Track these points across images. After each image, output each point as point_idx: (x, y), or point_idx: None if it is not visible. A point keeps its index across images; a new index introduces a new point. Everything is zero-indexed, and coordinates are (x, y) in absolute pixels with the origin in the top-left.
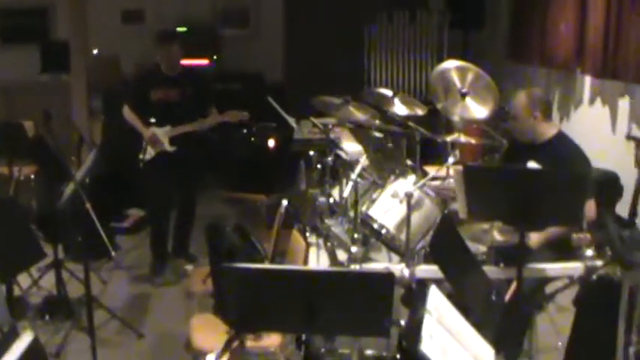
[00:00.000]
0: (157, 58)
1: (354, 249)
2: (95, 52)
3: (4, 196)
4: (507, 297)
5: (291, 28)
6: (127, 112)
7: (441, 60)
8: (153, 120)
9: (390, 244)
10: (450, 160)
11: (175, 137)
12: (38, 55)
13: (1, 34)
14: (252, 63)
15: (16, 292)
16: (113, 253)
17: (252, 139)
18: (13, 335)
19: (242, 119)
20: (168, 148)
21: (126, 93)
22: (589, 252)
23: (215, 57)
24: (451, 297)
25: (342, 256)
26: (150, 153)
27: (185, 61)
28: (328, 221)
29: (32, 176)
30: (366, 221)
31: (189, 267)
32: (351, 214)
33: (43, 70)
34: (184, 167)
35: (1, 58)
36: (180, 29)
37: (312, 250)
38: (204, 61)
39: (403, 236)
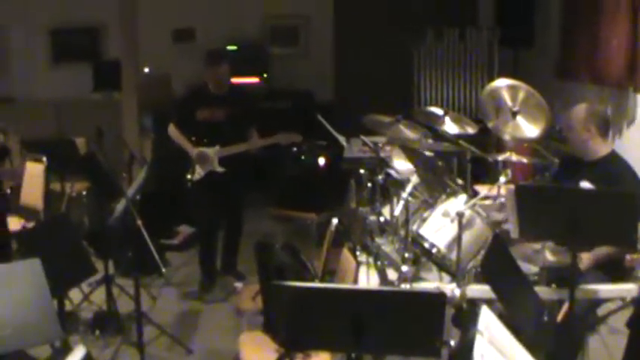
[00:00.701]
0: (205, 77)
1: (404, 268)
2: (146, 70)
3: (57, 212)
4: (559, 318)
5: (340, 46)
6: (173, 131)
7: (491, 78)
8: (201, 140)
9: (440, 263)
10: (502, 179)
11: (224, 157)
12: (90, 74)
13: (54, 53)
14: (302, 81)
15: (68, 307)
16: (163, 270)
17: (303, 157)
18: (65, 350)
19: (294, 141)
20: (218, 168)
21: (174, 112)
22: None
23: (265, 75)
24: (502, 317)
25: (392, 275)
26: (199, 173)
27: (235, 80)
28: (378, 240)
29: (84, 193)
30: (417, 240)
31: (238, 284)
32: (402, 232)
33: (95, 88)
34: (232, 187)
35: (54, 77)
36: (230, 47)
37: (362, 269)
38: (254, 80)
39: (454, 256)
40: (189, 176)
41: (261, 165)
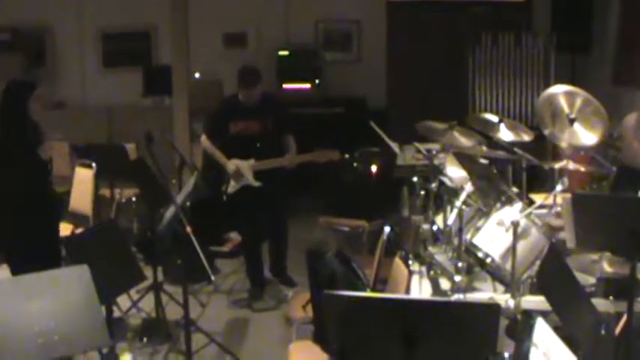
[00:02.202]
0: (238, 90)
1: (457, 278)
2: (197, 75)
3: (106, 218)
4: (617, 332)
5: (393, 51)
6: (206, 142)
7: (547, 84)
8: (234, 153)
9: (495, 273)
10: (558, 187)
11: (259, 171)
12: (141, 79)
13: (105, 58)
14: (355, 87)
15: (116, 313)
16: (212, 277)
17: (355, 164)
18: (112, 357)
19: (331, 159)
20: (254, 183)
21: (206, 122)
22: None
23: (317, 81)
24: (558, 330)
25: (445, 285)
26: (233, 186)
27: (286, 85)
28: (431, 249)
29: (133, 199)
30: (471, 250)
31: (289, 292)
32: (455, 242)
33: (145, 93)
34: (272, 198)
35: (104, 82)
36: (281, 53)
37: (415, 279)
38: (306, 86)
39: (509, 266)
40: (223, 189)
41: (311, 172)
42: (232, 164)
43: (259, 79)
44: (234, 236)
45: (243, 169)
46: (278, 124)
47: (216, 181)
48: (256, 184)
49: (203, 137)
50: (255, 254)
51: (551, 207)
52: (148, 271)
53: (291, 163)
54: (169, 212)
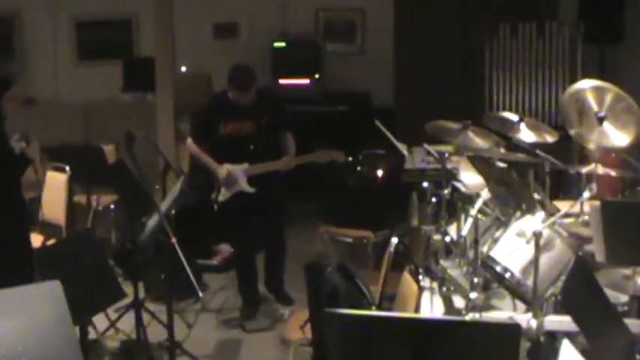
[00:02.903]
0: (228, 89)
1: (473, 295)
2: (183, 69)
3: (81, 228)
4: None
5: (401, 42)
6: (192, 146)
7: (574, 79)
8: (225, 157)
9: (515, 290)
10: (586, 194)
11: (253, 176)
12: (120, 73)
13: (80, 50)
14: (359, 82)
15: (92, 335)
16: (200, 294)
17: (359, 168)
18: None
19: (335, 160)
20: (248, 189)
21: (192, 124)
22: None
23: (317, 75)
24: (586, 353)
25: (459, 302)
26: (224, 194)
27: (283, 81)
28: (444, 262)
29: (112, 206)
30: (488, 263)
31: (285, 311)
32: (471, 254)
33: (125, 88)
34: (268, 206)
35: (79, 76)
36: (277, 45)
37: (425, 295)
38: (305, 81)
39: (530, 281)
40: (213, 196)
41: (311, 176)
42: (223, 170)
43: (254, 80)
44: (225, 248)
45: (235, 175)
46: (274, 123)
47: (204, 187)
48: (250, 190)
49: (189, 141)
50: (248, 267)
51: (577, 216)
52: (127, 288)
53: (288, 167)
54: (152, 221)
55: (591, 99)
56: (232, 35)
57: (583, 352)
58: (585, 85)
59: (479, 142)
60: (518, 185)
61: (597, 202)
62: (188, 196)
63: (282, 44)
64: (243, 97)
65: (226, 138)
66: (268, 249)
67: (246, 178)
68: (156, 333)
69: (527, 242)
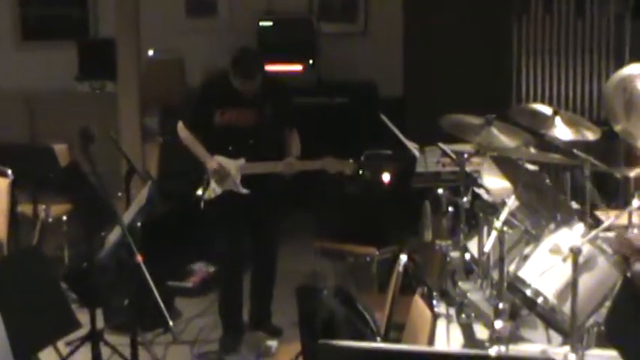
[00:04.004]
0: (230, 74)
1: (498, 324)
2: (151, 53)
3: (27, 243)
4: None
5: (412, 21)
6: (183, 132)
7: (620, 64)
8: (220, 149)
9: (548, 318)
10: (635, 202)
11: (248, 175)
12: (74, 57)
13: (25, 29)
14: (361, 69)
15: None
16: (171, 323)
17: (360, 172)
18: None
19: (342, 171)
20: (240, 189)
21: (185, 107)
22: None
23: (311, 62)
24: None
25: (481, 333)
26: (214, 190)
27: (270, 67)
28: (463, 285)
29: (64, 218)
30: (516, 286)
31: (271, 343)
32: (495, 275)
33: (80, 76)
34: (262, 212)
35: (23, 61)
36: (263, 24)
37: (441, 324)
38: (296, 67)
39: (567, 308)
40: (199, 192)
41: (304, 182)
42: (214, 162)
43: (261, 67)
44: (201, 268)
45: (229, 169)
46: (279, 115)
47: (176, 194)
48: (244, 191)
49: (180, 125)
50: (234, 288)
51: (625, 228)
52: (83, 316)
53: (290, 171)
54: (113, 236)
55: None
56: (209, 13)
57: None
58: (634, 70)
59: (505, 139)
60: (552, 192)
61: None
62: (157, 205)
63: (269, 24)
64: (247, 86)
65: (222, 129)
66: (255, 269)
67: (240, 176)
68: None
69: (564, 260)
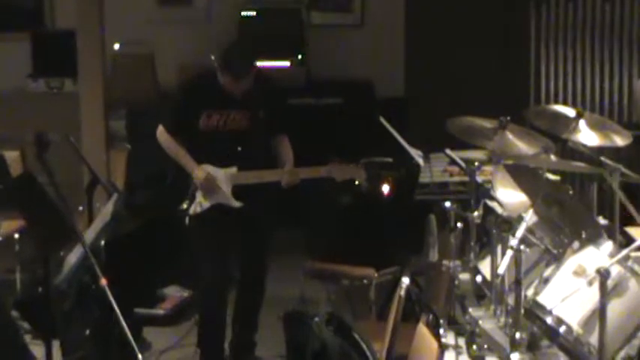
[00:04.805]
0: (218, 72)
1: (515, 357)
2: (116, 47)
3: None
4: None
5: (415, 11)
6: (164, 137)
7: None
8: (206, 157)
9: (572, 350)
10: None
11: (240, 186)
12: (28, 52)
13: None
14: (357, 66)
15: None
16: (139, 356)
17: (357, 182)
18: None
19: (353, 178)
20: (232, 202)
21: (163, 109)
22: None
23: (300, 57)
24: None
25: None
26: (200, 204)
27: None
28: (474, 311)
29: (16, 235)
30: (535, 313)
31: None
32: (511, 300)
33: (35, 73)
34: (253, 227)
35: None
36: (245, 14)
37: (449, 356)
38: (284, 63)
39: (595, 338)
40: (184, 206)
41: (290, 193)
42: (202, 171)
43: (253, 65)
44: (174, 292)
45: (218, 180)
46: (271, 117)
47: (146, 207)
48: (236, 204)
49: (160, 130)
50: (217, 315)
51: None
52: (37, 348)
53: (292, 180)
54: (73, 256)
55: None
56: (184, 1)
57: None
58: None
59: (521, 146)
60: (575, 205)
61: None
62: (123, 221)
63: (253, 13)
64: (238, 86)
65: (207, 133)
66: (241, 293)
67: (231, 187)
68: None
69: (590, 284)
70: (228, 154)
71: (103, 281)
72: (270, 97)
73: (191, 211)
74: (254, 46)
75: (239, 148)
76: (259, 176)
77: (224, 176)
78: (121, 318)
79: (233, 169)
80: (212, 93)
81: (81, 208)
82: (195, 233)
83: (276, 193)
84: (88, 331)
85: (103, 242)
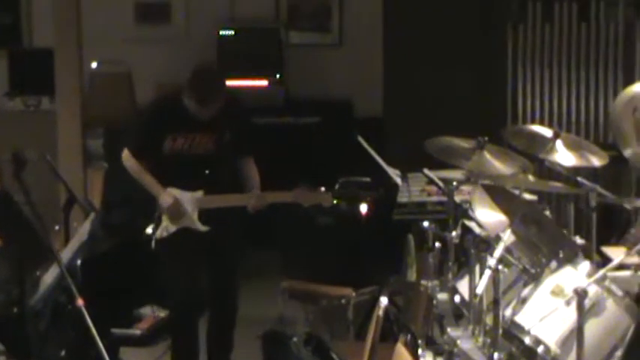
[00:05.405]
0: (184, 96)
1: None
2: (94, 65)
3: None
4: None
5: (393, 31)
6: (129, 161)
7: (630, 79)
8: (172, 181)
9: None
10: None
11: (207, 212)
12: (5, 69)
13: None
14: (335, 85)
15: None
16: None
17: (335, 202)
18: None
19: (319, 204)
20: (199, 226)
21: (130, 131)
22: None
23: (278, 76)
24: None
25: None
26: (167, 229)
27: (232, 82)
28: (452, 331)
29: None
30: (513, 332)
31: None
32: (489, 320)
33: (12, 91)
34: (222, 249)
35: None
36: (224, 33)
37: None
38: (262, 82)
39: (572, 358)
40: (149, 230)
41: (267, 214)
42: (168, 195)
43: (222, 91)
44: (151, 312)
45: (184, 204)
46: (237, 140)
47: (123, 227)
48: (202, 228)
49: (125, 154)
50: (187, 337)
51: (637, 268)
52: None
53: (261, 203)
54: (49, 276)
55: None
56: (162, 19)
57: None
58: None
59: (498, 165)
60: (553, 225)
61: None
62: (100, 241)
63: (231, 32)
64: (205, 112)
65: (173, 157)
66: (214, 314)
67: (198, 211)
68: None
69: (567, 304)
70: (194, 178)
71: (80, 301)
72: (237, 119)
73: (157, 235)
74: (225, 70)
75: (205, 172)
76: (226, 200)
77: (190, 200)
78: (98, 338)
79: (199, 193)
80: (177, 115)
81: (57, 227)
82: (163, 257)
83: (249, 215)
84: (63, 352)
85: (79, 262)
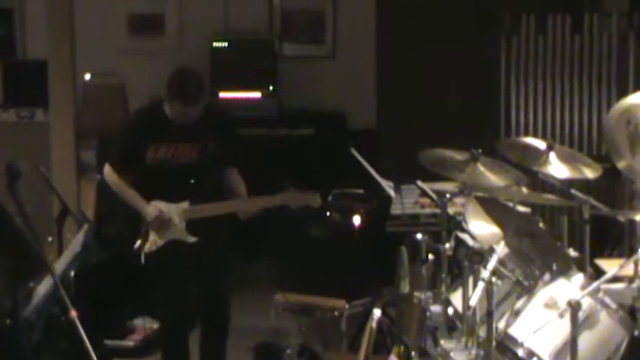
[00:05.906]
0: (165, 102)
1: None
2: (87, 77)
3: None
4: None
5: (386, 43)
6: (111, 176)
7: (623, 92)
8: (156, 193)
9: None
10: None
11: (193, 221)
12: None
13: None
14: (328, 97)
15: None
16: None
17: (328, 213)
18: None
19: (308, 205)
20: (187, 237)
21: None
22: None
23: (271, 87)
24: None
25: None
26: (155, 242)
27: (225, 94)
28: (445, 343)
29: None
30: (507, 345)
31: None
32: (482, 333)
33: (5, 103)
34: (211, 261)
35: None
36: (217, 45)
37: None
38: (255, 94)
39: None
40: (137, 245)
41: (260, 225)
42: (153, 209)
43: (203, 91)
44: (144, 323)
45: (170, 217)
46: (221, 150)
47: (117, 239)
48: (191, 239)
49: (107, 170)
50: (177, 350)
51: (630, 280)
52: None
53: (247, 210)
54: (43, 287)
55: None
56: (155, 31)
57: None
58: (639, 100)
59: (492, 178)
60: (546, 237)
61: None
62: (93, 252)
63: (224, 44)
64: (187, 114)
65: (156, 167)
66: (206, 326)
67: (185, 222)
68: None
69: (561, 316)
70: (179, 188)
71: (73, 313)
72: (221, 129)
73: (146, 249)
74: (224, 77)
75: (190, 181)
76: (213, 209)
77: (177, 211)
78: (91, 350)
79: (185, 204)
80: (159, 125)
81: (50, 238)
82: (152, 271)
83: (241, 226)
84: None
85: (72, 273)
